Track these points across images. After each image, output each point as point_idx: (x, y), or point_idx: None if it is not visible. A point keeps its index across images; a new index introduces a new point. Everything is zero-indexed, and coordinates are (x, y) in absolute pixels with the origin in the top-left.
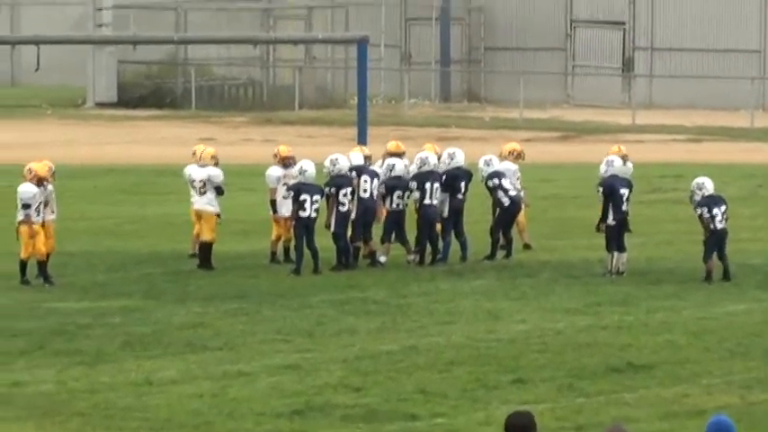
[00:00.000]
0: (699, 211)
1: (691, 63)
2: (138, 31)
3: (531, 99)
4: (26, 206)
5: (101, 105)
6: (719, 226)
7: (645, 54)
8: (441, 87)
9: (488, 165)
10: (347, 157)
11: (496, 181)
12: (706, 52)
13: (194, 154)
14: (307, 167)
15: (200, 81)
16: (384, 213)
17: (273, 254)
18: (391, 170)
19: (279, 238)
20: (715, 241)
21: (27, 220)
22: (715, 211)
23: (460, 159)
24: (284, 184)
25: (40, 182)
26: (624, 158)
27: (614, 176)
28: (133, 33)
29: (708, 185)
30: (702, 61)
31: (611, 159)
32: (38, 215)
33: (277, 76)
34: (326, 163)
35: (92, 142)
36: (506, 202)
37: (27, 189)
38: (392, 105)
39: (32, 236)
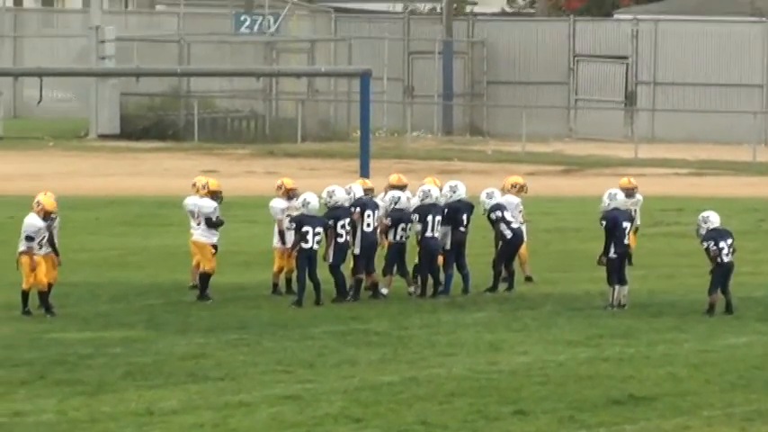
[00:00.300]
0: (705, 244)
1: (693, 97)
2: (141, 63)
3: (534, 133)
4: (29, 238)
5: (103, 137)
6: (726, 259)
7: (647, 88)
8: (443, 120)
9: (490, 197)
10: (346, 189)
11: (499, 213)
12: (708, 86)
13: (194, 185)
14: (310, 200)
15: (203, 113)
16: (386, 245)
17: (275, 285)
18: (396, 203)
19: (281, 270)
20: (721, 274)
21: (28, 252)
22: (722, 244)
23: (462, 192)
24: (288, 215)
25: (46, 215)
26: (634, 190)
27: (616, 209)
28: (136, 66)
29: (713, 219)
30: (705, 95)
31: (614, 192)
32: (40, 248)
33: (280, 109)
34: (323, 194)
35: (94, 174)
36: (509, 234)
37: (32, 222)
38: (395, 138)
39: (33, 267)
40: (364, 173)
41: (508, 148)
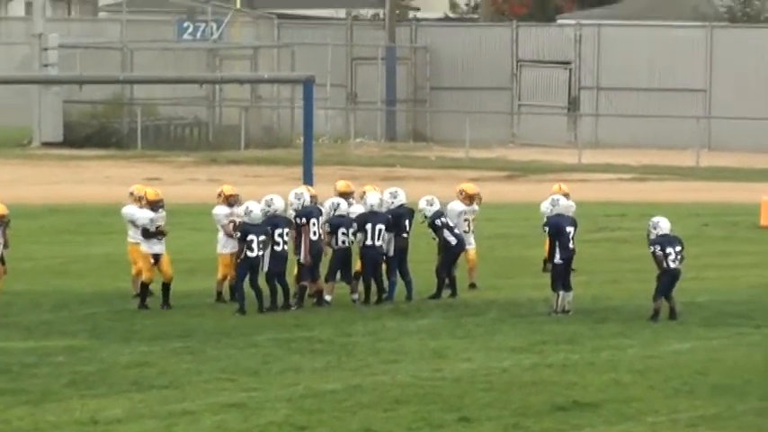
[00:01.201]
0: (652, 248)
1: (636, 102)
2: (84, 70)
3: (477, 138)
4: None
5: (47, 145)
6: (672, 265)
7: (591, 93)
8: (386, 127)
9: (431, 204)
10: (296, 194)
11: (444, 219)
12: (652, 91)
13: (131, 194)
14: (252, 208)
15: (146, 121)
16: (329, 252)
17: (219, 293)
18: (335, 209)
19: (225, 278)
20: (667, 280)
21: None
22: (668, 249)
23: (402, 198)
24: (231, 222)
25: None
26: (566, 197)
27: (559, 215)
28: (79, 73)
29: (662, 225)
30: (648, 101)
31: (557, 198)
32: None
33: (223, 116)
34: (262, 204)
35: (37, 182)
36: (453, 241)
37: None
38: (338, 145)
39: None
40: (308, 179)
41: (452, 154)
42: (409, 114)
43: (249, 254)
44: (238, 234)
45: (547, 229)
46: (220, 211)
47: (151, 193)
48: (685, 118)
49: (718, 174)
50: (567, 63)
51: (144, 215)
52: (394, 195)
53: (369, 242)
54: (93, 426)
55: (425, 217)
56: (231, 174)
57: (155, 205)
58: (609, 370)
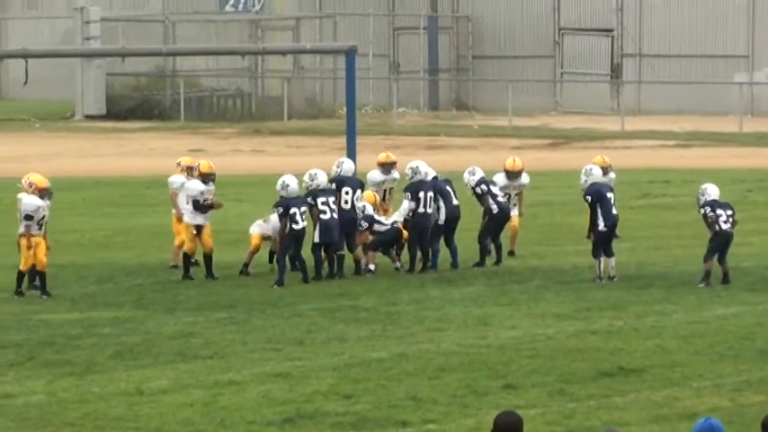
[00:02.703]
0: (702, 210)
1: (679, 69)
2: (127, 43)
3: (520, 107)
4: (28, 217)
5: (89, 118)
6: (725, 227)
7: (633, 60)
8: (429, 96)
9: (473, 174)
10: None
11: (484, 188)
12: (694, 58)
13: (178, 165)
14: (289, 182)
15: (189, 93)
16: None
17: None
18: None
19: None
20: (719, 242)
21: (27, 232)
22: (719, 211)
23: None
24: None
25: (42, 194)
26: (608, 168)
27: (597, 183)
28: (121, 46)
29: (711, 191)
30: (691, 67)
31: (590, 168)
32: (39, 228)
33: (266, 87)
34: (305, 177)
35: (80, 155)
36: (495, 209)
37: (31, 201)
38: (381, 115)
39: (30, 247)
40: (351, 150)
41: (494, 122)
42: (452, 83)
43: (294, 227)
44: (280, 210)
45: (589, 198)
46: (195, 185)
47: (205, 165)
48: (728, 84)
49: (761, 139)
50: (609, 30)
51: (195, 186)
52: (415, 171)
53: (421, 210)
54: (138, 396)
55: (469, 186)
56: (274, 144)
57: (206, 178)
58: (653, 336)
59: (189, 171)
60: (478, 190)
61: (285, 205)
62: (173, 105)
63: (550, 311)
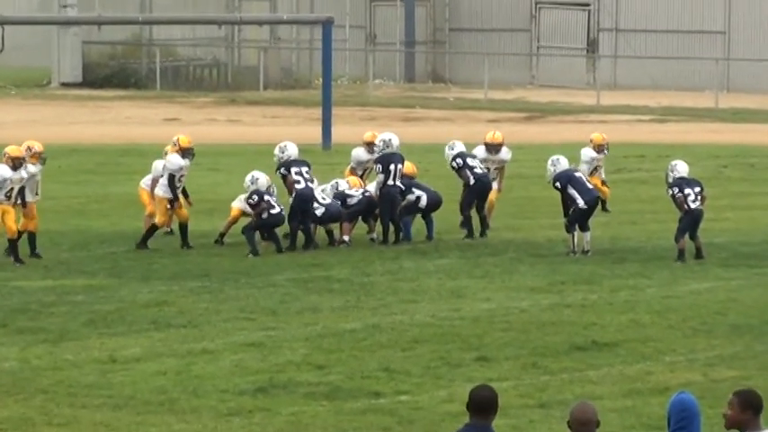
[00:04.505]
0: (671, 191)
1: (655, 44)
2: (103, 11)
3: (496, 80)
4: None
5: (66, 86)
6: (693, 206)
7: (609, 35)
8: (405, 68)
9: (452, 149)
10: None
11: (460, 161)
12: (671, 33)
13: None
14: (258, 176)
15: (165, 62)
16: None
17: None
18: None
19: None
20: (689, 221)
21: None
22: (687, 190)
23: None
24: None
25: (15, 164)
26: (604, 146)
27: (564, 170)
28: (98, 14)
29: (680, 168)
30: (667, 42)
31: (557, 159)
32: (8, 199)
33: (242, 57)
34: (276, 151)
35: (57, 122)
36: (472, 180)
37: (1, 172)
38: (357, 86)
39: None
40: (326, 120)
41: (470, 95)
42: (428, 56)
43: (272, 211)
44: (255, 198)
45: (558, 184)
46: (175, 159)
47: (185, 139)
48: (704, 59)
49: (736, 115)
50: (586, 5)
51: (176, 161)
52: (387, 143)
53: (390, 182)
54: (111, 364)
55: (448, 160)
56: (250, 114)
57: (186, 152)
58: (627, 310)
59: (184, 151)
60: (454, 164)
61: (258, 194)
62: (149, 74)
63: (524, 284)
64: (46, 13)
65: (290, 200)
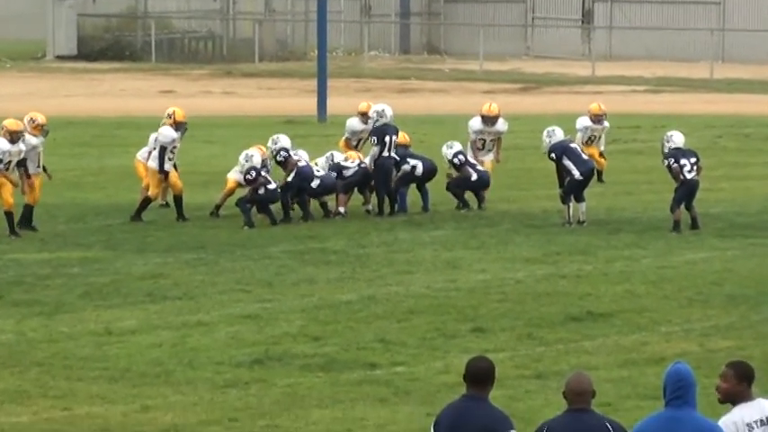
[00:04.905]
0: (666, 162)
1: (650, 15)
2: None
3: (491, 51)
4: None
5: (60, 58)
6: (689, 176)
7: (604, 6)
8: (400, 40)
9: (450, 147)
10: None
11: (462, 158)
12: (665, 4)
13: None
14: (252, 153)
15: (160, 34)
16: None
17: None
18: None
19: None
20: (684, 192)
21: None
22: (683, 161)
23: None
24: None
25: (13, 137)
26: (602, 117)
27: (559, 142)
28: None
29: (676, 138)
30: (662, 13)
31: (552, 129)
32: (6, 170)
33: (237, 29)
34: (269, 143)
35: (52, 95)
36: (474, 177)
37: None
38: (352, 57)
39: None
40: (321, 92)
41: (465, 66)
42: (423, 27)
43: (269, 186)
44: (252, 174)
45: (553, 155)
46: (168, 132)
47: (180, 113)
48: (699, 30)
49: (731, 85)
50: None
51: (169, 134)
52: (381, 114)
53: (385, 153)
54: (107, 336)
55: (447, 158)
56: (245, 86)
57: (180, 126)
58: (623, 281)
59: (177, 124)
60: (456, 161)
61: (255, 170)
62: (144, 47)
63: (520, 255)
64: None
65: (288, 177)
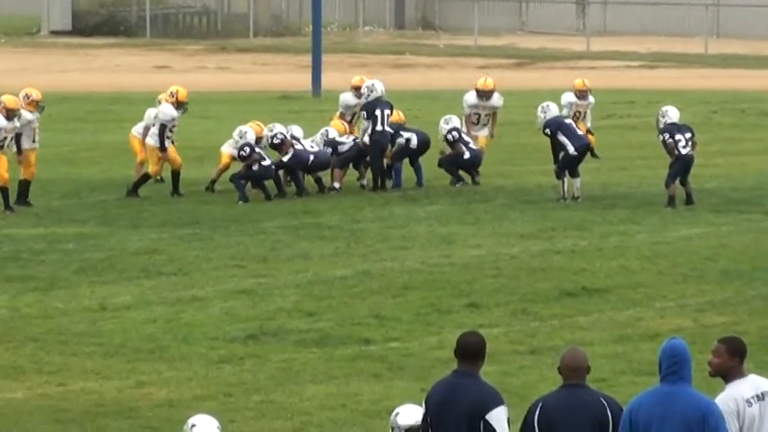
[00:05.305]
0: (661, 137)
1: None
2: None
3: (486, 26)
4: None
5: (55, 34)
6: (684, 151)
7: None
8: (395, 14)
9: (447, 123)
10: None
11: (456, 134)
12: None
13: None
14: (246, 130)
15: (155, 9)
16: None
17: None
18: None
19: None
20: (680, 167)
21: None
22: (678, 136)
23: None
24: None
25: (10, 114)
26: (587, 92)
27: (554, 117)
28: None
29: (671, 114)
30: None
31: (546, 105)
32: (1, 147)
33: (232, 4)
34: (265, 132)
35: (46, 70)
36: (467, 154)
37: None
38: (347, 33)
39: None
40: (316, 67)
41: (460, 41)
42: (418, 2)
43: (263, 163)
44: (247, 150)
45: (548, 131)
46: (168, 110)
47: (183, 92)
48: (694, 5)
49: (726, 61)
50: None
51: (169, 112)
52: (371, 89)
53: (378, 128)
54: (101, 312)
55: (442, 134)
56: (240, 62)
57: (181, 105)
58: (617, 256)
59: (179, 103)
60: (449, 137)
61: (250, 146)
62: (138, 22)
63: (514, 231)
64: None
65: (284, 157)
